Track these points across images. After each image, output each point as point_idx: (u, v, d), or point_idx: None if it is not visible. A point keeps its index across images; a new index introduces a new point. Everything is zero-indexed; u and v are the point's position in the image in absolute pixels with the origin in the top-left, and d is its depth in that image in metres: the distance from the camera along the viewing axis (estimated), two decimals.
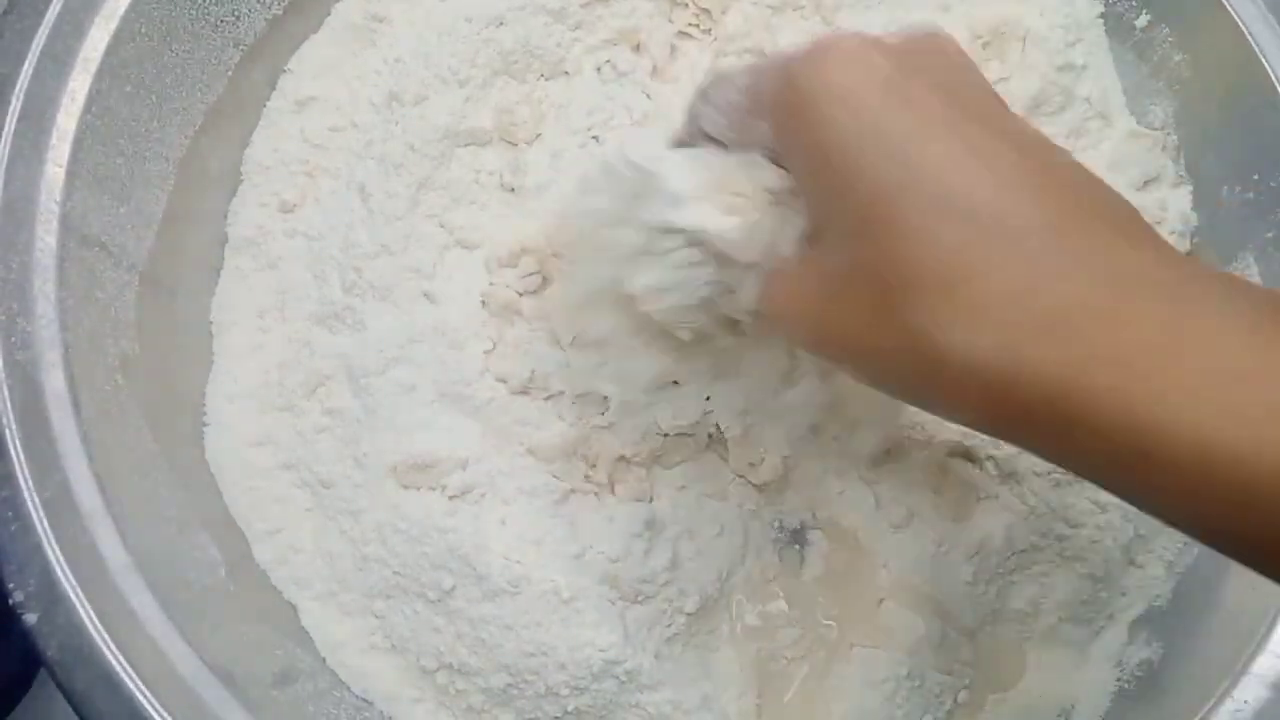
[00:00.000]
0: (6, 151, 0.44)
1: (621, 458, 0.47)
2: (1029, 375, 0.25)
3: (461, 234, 0.49)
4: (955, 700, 0.48)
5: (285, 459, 0.49)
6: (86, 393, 0.43)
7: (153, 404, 0.47)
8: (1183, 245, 0.52)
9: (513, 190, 0.50)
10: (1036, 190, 0.27)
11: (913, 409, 0.45)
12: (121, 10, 0.47)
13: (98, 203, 0.46)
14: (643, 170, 0.35)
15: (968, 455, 0.49)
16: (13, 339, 0.43)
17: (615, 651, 0.44)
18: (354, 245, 0.49)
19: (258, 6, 0.52)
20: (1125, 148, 0.53)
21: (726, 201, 0.33)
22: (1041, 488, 0.48)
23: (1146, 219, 0.28)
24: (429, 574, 0.45)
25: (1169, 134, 0.53)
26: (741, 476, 0.49)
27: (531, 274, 0.48)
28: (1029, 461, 0.49)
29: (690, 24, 0.54)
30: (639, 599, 0.46)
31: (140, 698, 0.40)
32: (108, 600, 0.41)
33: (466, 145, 0.50)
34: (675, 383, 0.45)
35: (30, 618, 0.40)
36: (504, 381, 0.47)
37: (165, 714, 0.40)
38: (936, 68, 0.30)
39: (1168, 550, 0.49)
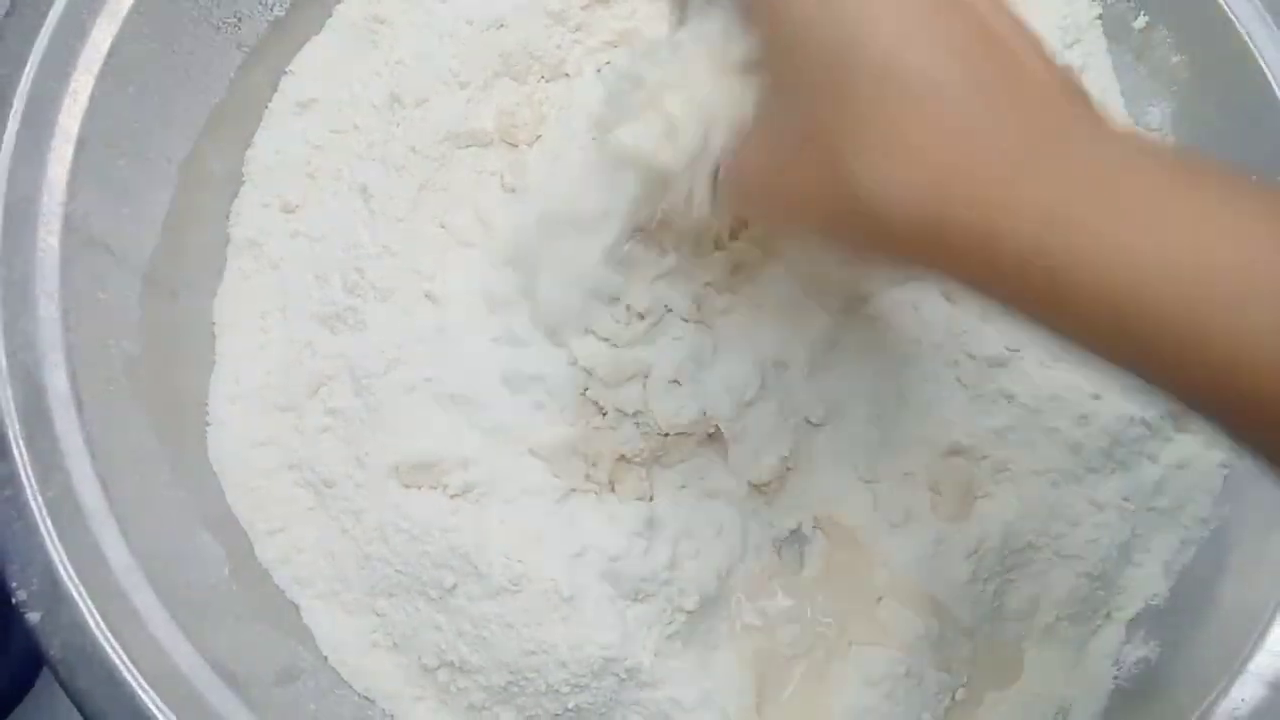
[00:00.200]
0: (9, 153, 0.44)
1: (621, 457, 0.47)
2: (956, 216, 0.28)
3: (463, 235, 0.50)
4: (953, 698, 0.49)
5: (287, 459, 0.49)
6: (89, 393, 0.44)
7: (155, 404, 0.47)
8: None
9: (514, 191, 0.50)
10: (978, 59, 0.29)
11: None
12: (124, 12, 0.47)
13: (100, 204, 0.46)
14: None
15: (966, 455, 0.49)
16: (16, 339, 0.43)
17: (615, 649, 0.44)
18: (356, 246, 0.49)
19: (260, 8, 0.53)
20: None
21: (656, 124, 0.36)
22: (1039, 487, 0.48)
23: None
24: (430, 573, 0.46)
25: (1167, 135, 0.53)
26: (741, 476, 0.49)
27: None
28: (1027, 461, 0.49)
29: None
30: (639, 597, 0.46)
31: (143, 696, 0.40)
32: (110, 599, 0.41)
33: (468, 147, 0.51)
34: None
35: (33, 617, 0.40)
36: (505, 381, 0.47)
37: (168, 712, 0.40)
38: None
39: (1165, 549, 0.49)
